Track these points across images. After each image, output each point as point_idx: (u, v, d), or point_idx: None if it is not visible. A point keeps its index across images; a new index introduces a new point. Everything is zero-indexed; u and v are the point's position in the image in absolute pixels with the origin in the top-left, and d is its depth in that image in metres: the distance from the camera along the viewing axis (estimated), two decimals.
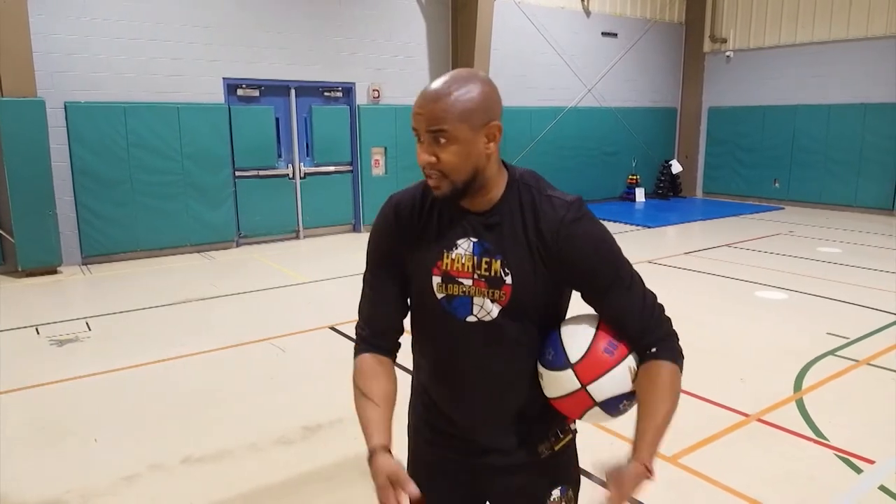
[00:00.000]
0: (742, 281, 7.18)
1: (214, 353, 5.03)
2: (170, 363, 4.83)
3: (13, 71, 7.15)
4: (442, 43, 10.95)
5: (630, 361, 1.39)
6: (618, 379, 1.38)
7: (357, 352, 1.52)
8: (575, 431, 1.59)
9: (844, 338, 5.19)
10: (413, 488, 1.29)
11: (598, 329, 1.40)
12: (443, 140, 1.28)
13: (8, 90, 7.15)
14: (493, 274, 1.37)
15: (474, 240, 1.39)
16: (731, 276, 7.40)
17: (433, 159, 1.30)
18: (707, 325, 5.64)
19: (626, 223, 11.24)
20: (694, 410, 3.99)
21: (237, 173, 9.14)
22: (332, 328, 5.54)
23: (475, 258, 1.39)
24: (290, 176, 9.74)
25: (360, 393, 1.46)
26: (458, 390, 1.50)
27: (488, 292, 1.38)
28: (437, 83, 1.31)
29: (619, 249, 1.42)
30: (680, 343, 1.43)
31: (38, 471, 3.32)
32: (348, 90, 10.14)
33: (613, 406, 1.40)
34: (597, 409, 1.40)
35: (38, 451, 3.55)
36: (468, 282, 1.39)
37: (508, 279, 1.37)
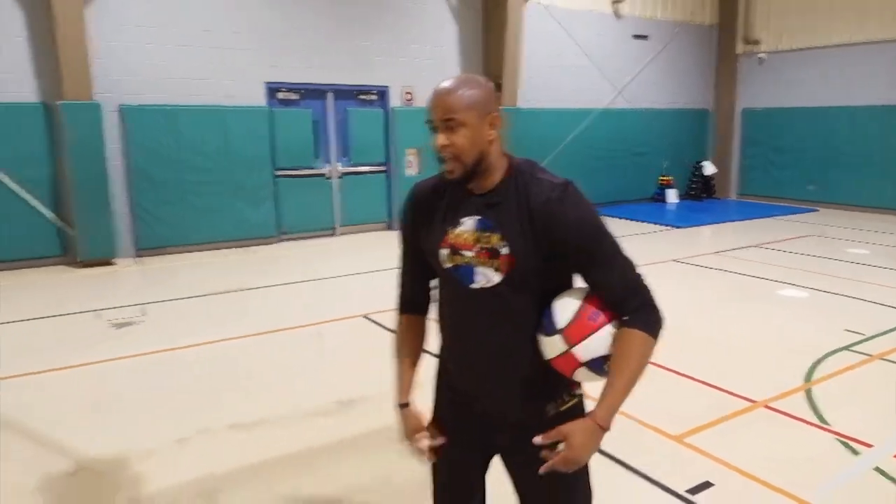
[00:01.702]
0: (766, 280, 7.30)
1: (256, 337, 5.44)
2: (216, 345, 5.26)
3: (73, 76, 7.72)
4: (473, 47, 11.26)
5: (611, 328, 1.60)
6: (599, 342, 1.59)
7: (397, 314, 1.91)
8: (581, 395, 1.80)
9: (861, 334, 5.31)
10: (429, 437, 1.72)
11: (585, 299, 1.62)
12: (455, 126, 1.56)
13: (68, 94, 7.73)
14: (491, 246, 1.63)
15: (477, 217, 1.65)
16: (756, 274, 7.51)
17: (447, 142, 1.58)
18: (725, 319, 5.82)
19: (656, 223, 11.37)
20: (702, 395, 4.22)
21: (277, 173, 9.61)
22: (366, 317, 5.90)
23: (477, 233, 1.65)
24: (328, 175, 10.17)
25: (396, 351, 1.89)
26: (469, 352, 1.76)
27: (489, 262, 1.63)
28: (446, 83, 1.60)
29: (603, 228, 1.62)
30: (659, 314, 1.62)
31: (101, 434, 3.75)
32: (382, 93, 10.53)
33: (598, 366, 1.62)
34: (584, 368, 1.61)
35: (102, 417, 3.99)
36: (470, 253, 1.65)
37: (505, 250, 1.60)
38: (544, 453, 1.58)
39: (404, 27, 10.49)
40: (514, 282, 1.62)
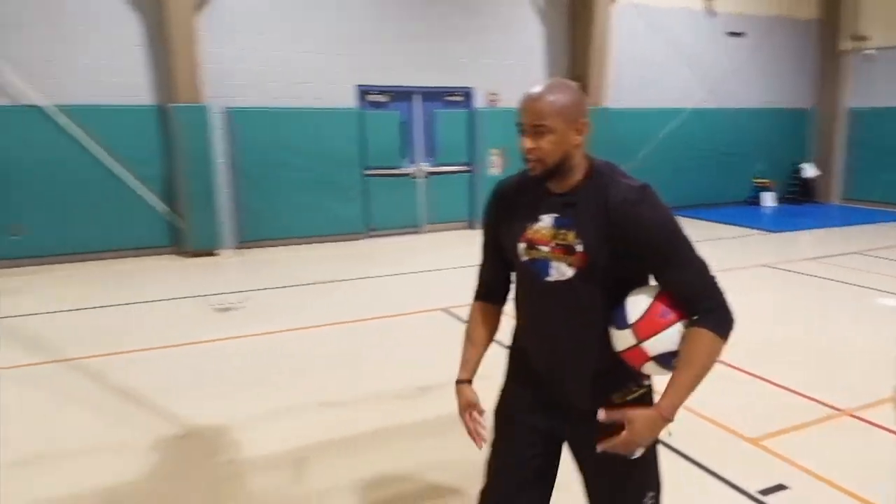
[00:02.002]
0: (865, 288, 6.93)
1: (344, 325, 5.78)
2: (308, 330, 5.65)
3: (185, 81, 8.42)
4: (559, 47, 11.28)
5: (681, 326, 1.67)
6: (668, 338, 1.66)
7: (473, 300, 2.05)
8: (650, 387, 1.85)
9: None
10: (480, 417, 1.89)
11: (656, 297, 1.69)
12: (543, 132, 1.66)
13: (181, 98, 8.43)
14: (567, 243, 1.72)
15: (555, 215, 1.75)
16: (854, 282, 7.15)
17: (534, 146, 1.68)
18: (815, 326, 5.62)
19: (749, 227, 10.96)
20: (784, 400, 4.15)
21: (367, 172, 10.03)
22: (445, 310, 6.12)
23: (554, 230, 1.75)
24: (414, 175, 10.51)
25: (466, 334, 2.03)
26: (543, 340, 1.87)
27: (564, 258, 1.73)
28: (538, 87, 1.69)
29: (678, 230, 1.69)
30: (730, 316, 1.67)
31: (206, 404, 4.16)
32: (468, 94, 10.75)
33: (667, 361, 1.70)
34: (652, 362, 1.69)
35: (206, 390, 4.41)
36: (546, 248, 1.76)
37: (580, 248, 1.70)
38: (603, 440, 1.68)
39: (491, 29, 10.66)
40: (586, 277, 1.72)
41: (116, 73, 8.41)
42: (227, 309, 6.33)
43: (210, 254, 8.91)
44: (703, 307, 1.67)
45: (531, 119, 1.67)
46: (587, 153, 1.78)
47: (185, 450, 3.63)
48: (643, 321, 1.68)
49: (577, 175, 1.75)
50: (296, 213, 9.53)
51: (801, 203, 13.60)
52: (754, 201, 13.40)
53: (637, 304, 1.70)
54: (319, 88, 9.58)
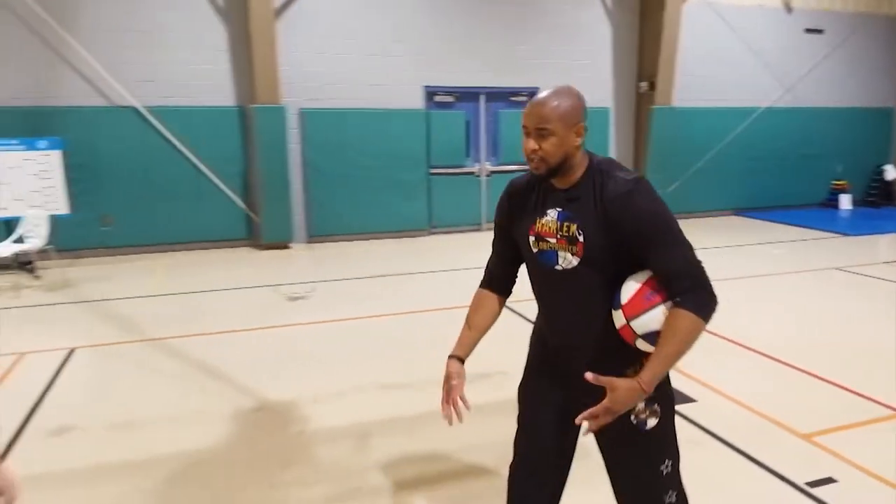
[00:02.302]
0: None
1: (405, 315, 6.06)
2: (372, 319, 5.95)
3: (264, 83, 8.93)
4: (627, 48, 11.23)
5: (664, 307, 1.79)
6: (652, 318, 1.80)
7: (478, 288, 2.23)
8: None
9: None
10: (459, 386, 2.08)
11: (645, 281, 1.83)
12: (546, 135, 1.83)
13: (260, 99, 8.95)
14: (570, 234, 1.89)
15: (559, 209, 1.92)
16: None
17: (537, 147, 1.85)
18: (882, 329, 5.47)
19: (823, 230, 10.59)
20: (841, 399, 4.12)
21: (431, 171, 10.31)
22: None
23: (559, 223, 1.91)
24: (477, 174, 10.72)
25: (466, 318, 2.21)
26: (555, 321, 2.06)
27: (568, 248, 1.90)
28: (543, 94, 1.85)
29: (666, 219, 1.81)
30: (710, 298, 1.77)
31: (278, 382, 4.50)
32: (532, 94, 10.83)
33: (652, 339, 1.80)
34: (641, 340, 1.83)
35: (279, 370, 4.76)
36: (553, 240, 1.93)
37: (581, 238, 1.86)
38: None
39: (558, 29, 10.74)
40: (588, 265, 1.88)
41: (202, 76, 9.02)
42: (297, 298, 6.73)
43: (283, 247, 9.41)
44: (685, 289, 1.78)
45: (535, 123, 1.84)
46: (587, 151, 1.95)
47: (260, 421, 3.97)
48: (630, 302, 1.83)
49: (578, 172, 1.91)
50: (363, 210, 9.92)
51: (882, 206, 12.99)
52: (831, 203, 12.90)
53: (628, 287, 1.86)
54: (388, 90, 9.93)
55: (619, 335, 1.90)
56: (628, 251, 1.85)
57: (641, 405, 1.95)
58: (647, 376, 1.77)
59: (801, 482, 3.16)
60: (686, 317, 1.76)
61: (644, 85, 11.15)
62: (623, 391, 1.77)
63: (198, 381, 4.56)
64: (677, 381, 4.40)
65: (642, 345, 1.87)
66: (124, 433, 3.81)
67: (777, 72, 12.16)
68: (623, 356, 1.95)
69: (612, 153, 11.49)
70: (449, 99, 10.42)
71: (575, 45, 10.92)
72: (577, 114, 1.86)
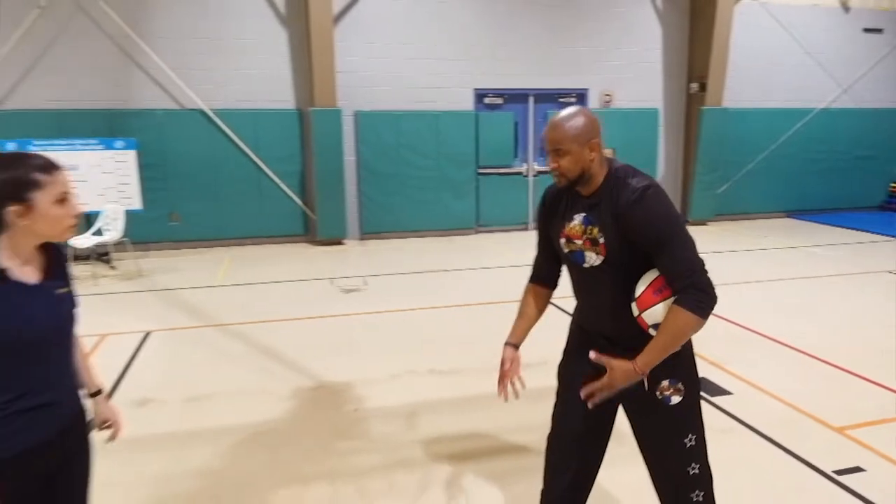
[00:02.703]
0: None
1: (452, 308, 6.35)
2: (421, 311, 6.27)
3: (322, 87, 9.36)
4: (678, 47, 11.24)
5: (669, 302, 2.02)
6: (659, 311, 2.04)
7: (527, 283, 2.50)
8: (686, 346, 2.20)
9: None
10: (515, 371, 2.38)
11: (655, 278, 2.06)
12: (562, 153, 2.08)
13: (318, 102, 9.39)
14: (593, 237, 2.13)
15: (584, 214, 2.16)
16: None
17: (556, 165, 2.11)
18: None
19: (879, 234, 10.36)
20: (878, 397, 4.19)
21: (480, 171, 10.58)
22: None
23: (584, 226, 2.15)
24: (525, 174, 10.93)
25: (518, 309, 2.48)
26: (587, 311, 2.33)
27: (592, 248, 2.14)
28: (557, 117, 2.10)
29: (671, 224, 2.02)
30: (705, 296, 1.97)
31: (334, 365, 4.85)
32: (582, 96, 11.01)
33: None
34: (651, 329, 2.07)
35: (335, 354, 5.12)
36: (579, 241, 2.19)
37: (602, 240, 2.10)
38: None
39: (608, 31, 10.85)
40: (610, 263, 2.12)
41: (265, 80, 9.54)
42: (351, 290, 7.11)
43: (337, 243, 9.85)
44: (682, 288, 2.00)
45: (552, 144, 2.10)
46: (606, 159, 2.17)
47: (318, 399, 4.32)
48: (642, 296, 2.08)
49: (598, 180, 2.14)
50: (413, 208, 10.27)
51: None
52: (889, 206, 12.55)
53: (641, 283, 2.10)
54: (439, 93, 10.25)
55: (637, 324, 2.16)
56: (642, 251, 2.08)
57: (666, 382, 2.18)
58: (642, 361, 2.04)
59: (829, 470, 3.30)
60: (680, 313, 1.99)
61: (695, 86, 11.13)
62: (619, 371, 2.05)
63: (261, 363, 4.96)
64: (715, 375, 4.57)
65: (654, 333, 2.10)
66: (198, 406, 4.22)
67: (833, 72, 11.93)
68: (645, 342, 2.16)
69: (661, 154, 11.52)
70: (498, 101, 10.67)
71: (624, 47, 11.00)
72: (590, 132, 2.09)
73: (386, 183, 10.12)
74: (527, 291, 2.50)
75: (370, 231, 10.23)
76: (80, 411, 1.96)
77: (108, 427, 2.11)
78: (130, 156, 8.51)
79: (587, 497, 2.49)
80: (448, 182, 10.39)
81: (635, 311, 2.11)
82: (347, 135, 9.82)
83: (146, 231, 9.03)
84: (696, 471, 2.29)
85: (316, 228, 9.81)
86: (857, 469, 3.30)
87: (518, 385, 2.41)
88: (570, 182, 2.14)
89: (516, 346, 2.44)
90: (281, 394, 4.37)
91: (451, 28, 10.16)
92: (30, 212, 1.66)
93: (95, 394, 2.07)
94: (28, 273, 1.73)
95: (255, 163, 9.58)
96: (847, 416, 3.89)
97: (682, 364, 2.22)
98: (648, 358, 2.04)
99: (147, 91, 9.15)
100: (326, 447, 3.65)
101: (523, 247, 9.91)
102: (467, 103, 10.43)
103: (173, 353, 5.28)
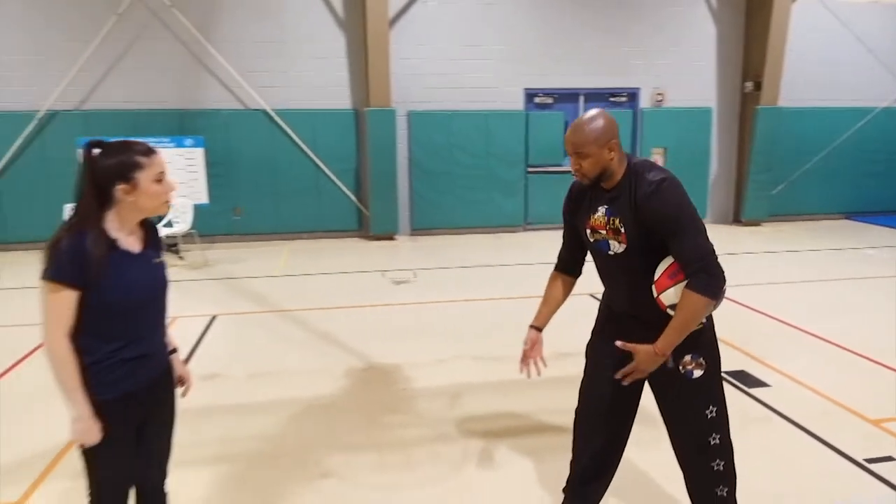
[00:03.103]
0: None
1: (497, 300, 6.58)
2: (467, 302, 6.53)
3: (377, 87, 9.73)
4: (733, 47, 11.13)
5: (683, 285, 2.21)
6: (674, 294, 2.24)
7: (552, 271, 2.70)
8: (707, 325, 2.40)
9: None
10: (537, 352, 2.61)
11: (671, 264, 2.25)
12: (583, 155, 2.27)
13: (373, 102, 9.76)
14: (615, 227, 2.33)
15: (606, 207, 2.35)
16: None
17: (578, 167, 2.31)
18: None
19: None
20: None
21: (529, 169, 10.75)
22: (591, 295, 6.65)
23: (606, 217, 2.35)
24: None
25: (543, 295, 2.70)
26: (613, 294, 2.53)
27: (615, 237, 2.34)
28: (577, 122, 2.29)
29: (685, 213, 2.20)
30: (715, 280, 2.16)
31: (384, 349, 5.16)
32: (633, 95, 11.03)
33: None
34: (668, 310, 2.27)
35: (385, 339, 5.43)
36: (604, 231, 2.39)
37: (623, 230, 2.30)
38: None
39: (660, 31, 10.84)
40: (632, 250, 2.32)
41: (323, 82, 9.98)
42: (402, 282, 7.43)
43: (389, 238, 10.21)
44: (693, 272, 2.19)
45: (573, 148, 2.29)
46: (624, 155, 2.36)
47: (369, 378, 4.63)
48: (659, 280, 2.29)
49: (618, 176, 2.34)
50: (463, 206, 10.54)
51: None
52: None
53: (659, 268, 2.30)
54: (490, 93, 10.48)
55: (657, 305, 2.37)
56: (659, 239, 2.28)
57: (688, 357, 2.37)
58: (661, 343, 2.25)
59: (860, 458, 3.38)
60: (691, 296, 2.18)
61: (749, 85, 11.00)
62: (643, 354, 2.28)
63: (317, 345, 5.32)
64: (755, 368, 4.67)
65: (672, 313, 2.30)
66: (260, 381, 4.60)
67: (895, 70, 11.58)
68: (666, 319, 2.36)
69: (714, 153, 11.42)
70: (548, 101, 10.82)
71: (677, 46, 10.96)
72: (609, 134, 2.27)
73: (436, 181, 10.42)
74: (552, 279, 2.71)
75: (421, 227, 10.55)
76: (169, 366, 2.30)
77: (182, 384, 2.44)
78: (198, 153, 9.07)
79: (614, 471, 2.69)
80: (497, 181, 10.60)
81: (654, 294, 2.31)
82: (400, 134, 10.16)
83: (212, 224, 9.59)
84: (717, 441, 2.47)
85: (369, 224, 10.19)
86: (889, 458, 3.38)
87: (540, 365, 2.64)
88: (590, 181, 2.34)
89: (539, 329, 2.67)
90: (335, 373, 4.70)
91: (503, 29, 10.37)
92: (134, 189, 1.99)
93: (171, 352, 2.40)
94: (132, 243, 2.06)
95: (313, 161, 10.03)
96: (884, 410, 3.94)
97: (703, 340, 2.40)
98: (667, 339, 2.24)
99: (214, 92, 9.72)
100: (376, 420, 3.95)
101: None
102: (518, 103, 10.62)
103: (237, 334, 5.70)
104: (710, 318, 2.44)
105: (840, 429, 3.73)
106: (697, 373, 2.38)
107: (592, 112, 2.36)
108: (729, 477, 2.52)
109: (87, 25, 9.22)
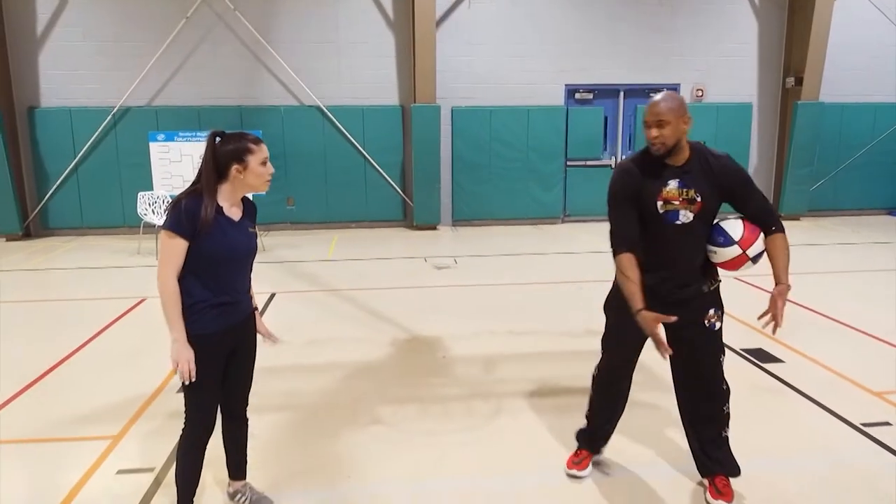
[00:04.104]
0: None
1: (533, 285, 7.01)
2: (505, 286, 6.99)
3: (423, 84, 10.23)
4: (774, 42, 11.22)
5: (763, 236, 2.73)
6: (759, 243, 2.72)
7: (618, 253, 2.77)
8: (720, 281, 2.88)
9: None
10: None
11: (744, 222, 2.73)
12: (663, 124, 2.63)
13: (419, 99, 10.27)
14: (689, 197, 2.68)
15: (679, 180, 2.70)
16: None
17: (658, 134, 2.64)
18: None
19: None
20: None
21: (568, 163, 11.10)
22: None
23: (680, 189, 2.70)
24: (612, 166, 11.32)
25: (626, 277, 2.72)
26: (668, 261, 2.77)
27: (688, 207, 2.69)
28: (657, 97, 2.67)
29: (750, 178, 2.76)
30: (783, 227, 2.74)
31: (426, 323, 5.66)
32: (673, 90, 11.22)
33: (757, 259, 2.74)
34: (749, 262, 2.72)
35: (427, 315, 5.93)
36: (677, 202, 2.70)
37: (699, 198, 2.68)
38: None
39: (701, 27, 11.02)
40: (700, 218, 2.72)
41: (373, 79, 10.56)
42: (443, 268, 7.93)
43: (431, 228, 10.72)
44: (772, 222, 2.75)
45: (655, 117, 2.64)
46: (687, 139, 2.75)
47: (412, 347, 5.14)
48: (745, 237, 2.72)
49: (685, 153, 2.72)
50: (503, 197, 10.97)
51: None
52: None
53: (735, 229, 2.74)
54: (532, 89, 10.87)
55: (720, 266, 2.81)
56: (719, 206, 2.75)
57: (712, 311, 2.87)
58: (786, 278, 2.72)
59: (857, 423, 3.71)
60: (783, 237, 2.75)
61: (791, 80, 11.08)
62: (784, 292, 2.71)
63: (366, 319, 5.86)
64: (772, 347, 5.00)
65: (745, 267, 2.77)
66: (316, 347, 5.16)
67: None
68: (705, 277, 2.86)
69: (754, 148, 11.55)
70: (588, 96, 11.13)
71: (718, 42, 11.12)
72: (684, 109, 2.67)
73: (478, 174, 10.87)
74: (629, 261, 2.74)
75: (462, 218, 11.03)
76: (251, 313, 2.84)
77: (268, 336, 2.97)
78: None
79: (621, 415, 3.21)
80: (537, 173, 10.99)
81: (736, 251, 2.70)
82: (444, 129, 10.65)
83: (267, 213, 10.24)
84: (725, 386, 2.96)
85: (413, 214, 10.72)
86: (885, 423, 3.69)
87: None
88: (667, 150, 2.66)
89: (649, 309, 2.66)
90: (382, 342, 5.22)
91: (545, 27, 10.73)
92: (245, 169, 2.53)
93: (254, 310, 2.92)
94: (234, 213, 2.60)
95: (361, 154, 10.62)
96: (889, 384, 4.23)
97: (719, 296, 2.91)
98: (785, 274, 2.72)
99: (272, 90, 10.40)
100: (419, 381, 4.45)
101: (608, 234, 10.33)
102: (558, 99, 10.98)
103: (294, 309, 6.29)
104: (718, 277, 2.89)
105: (843, 399, 4.05)
106: (718, 325, 2.88)
107: (667, 91, 2.76)
108: (728, 419, 2.98)
109: (157, 28, 10.00)
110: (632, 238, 2.76)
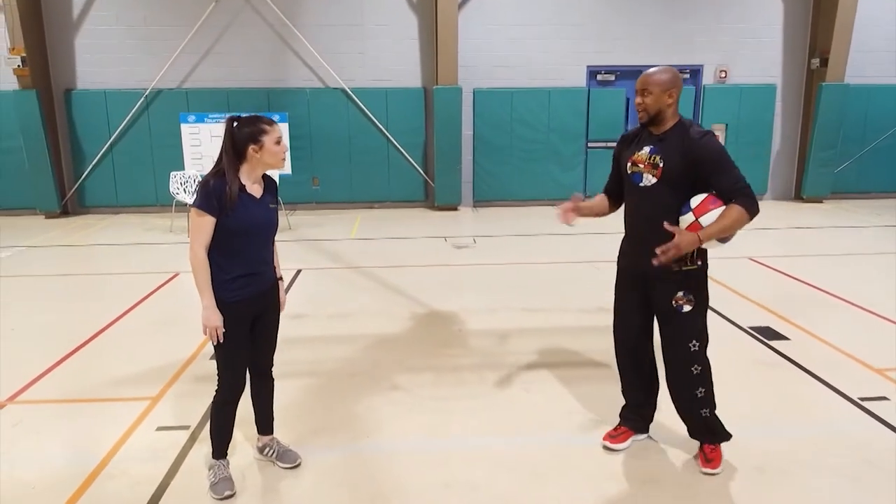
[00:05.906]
0: None
1: (548, 264, 7.19)
2: (522, 265, 7.18)
3: (446, 66, 10.37)
4: (799, 23, 11.10)
5: (722, 209, 2.77)
6: (714, 215, 2.77)
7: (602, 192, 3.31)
8: (702, 266, 2.98)
9: None
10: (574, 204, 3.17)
11: (709, 194, 2.82)
12: (646, 94, 2.89)
13: (441, 81, 10.42)
14: (654, 162, 2.93)
15: (652, 147, 2.96)
16: None
17: (640, 101, 2.90)
18: None
19: None
20: None
21: (589, 144, 11.18)
22: None
23: (649, 155, 2.96)
24: None
25: (592, 201, 3.30)
26: (636, 224, 3.06)
27: (650, 171, 2.94)
28: (651, 69, 2.91)
29: (726, 155, 2.82)
30: (755, 205, 2.76)
31: (444, 300, 5.89)
32: (696, 72, 11.22)
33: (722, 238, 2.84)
34: (703, 231, 2.74)
35: (446, 291, 6.16)
36: (641, 166, 2.98)
37: (661, 165, 2.90)
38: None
39: (725, 7, 10.95)
40: (663, 183, 2.90)
41: (396, 61, 10.73)
42: (463, 247, 8.15)
43: (452, 208, 10.93)
44: (737, 195, 2.78)
45: (641, 86, 2.92)
46: (679, 114, 2.94)
47: (429, 321, 5.38)
48: (699, 206, 2.83)
49: (668, 124, 2.94)
50: (523, 178, 11.12)
51: None
52: None
53: (696, 199, 2.86)
54: (553, 70, 10.94)
55: (701, 249, 2.90)
56: (695, 177, 2.85)
57: (681, 293, 2.97)
58: (704, 232, 2.75)
59: (854, 396, 3.86)
60: (736, 208, 2.75)
61: (816, 61, 10.97)
62: (685, 235, 2.75)
63: (387, 295, 6.12)
64: (779, 325, 5.14)
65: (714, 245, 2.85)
66: (338, 320, 5.43)
67: None
68: (679, 257, 2.93)
69: (777, 130, 11.48)
70: (610, 77, 11.17)
71: (742, 22, 11.04)
72: (671, 84, 2.87)
73: (498, 155, 11.02)
74: (598, 196, 3.34)
75: (482, 198, 11.20)
76: (275, 282, 3.09)
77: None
78: (283, 128, 9.99)
79: (657, 388, 3.38)
80: (558, 155, 11.09)
81: (689, 220, 2.81)
82: (465, 111, 10.79)
83: (293, 193, 10.57)
84: (698, 371, 3.07)
85: (434, 195, 10.93)
86: (883, 398, 3.83)
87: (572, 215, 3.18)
88: (649, 118, 2.91)
89: (578, 206, 3.18)
90: (401, 315, 5.48)
91: (567, 8, 10.77)
92: (261, 149, 2.76)
93: (278, 279, 3.17)
94: (255, 190, 2.84)
95: (384, 135, 10.83)
96: (892, 361, 4.35)
97: (694, 281, 3.00)
98: (709, 231, 2.75)
99: (298, 72, 10.64)
100: (434, 352, 4.70)
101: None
102: (580, 80, 11.03)
103: (319, 285, 6.57)
104: (704, 262, 3.00)
105: (844, 375, 4.18)
106: (686, 308, 2.98)
107: (664, 67, 2.95)
108: (709, 402, 3.11)
109: (187, 13, 10.28)
110: (609, 189, 3.28)
